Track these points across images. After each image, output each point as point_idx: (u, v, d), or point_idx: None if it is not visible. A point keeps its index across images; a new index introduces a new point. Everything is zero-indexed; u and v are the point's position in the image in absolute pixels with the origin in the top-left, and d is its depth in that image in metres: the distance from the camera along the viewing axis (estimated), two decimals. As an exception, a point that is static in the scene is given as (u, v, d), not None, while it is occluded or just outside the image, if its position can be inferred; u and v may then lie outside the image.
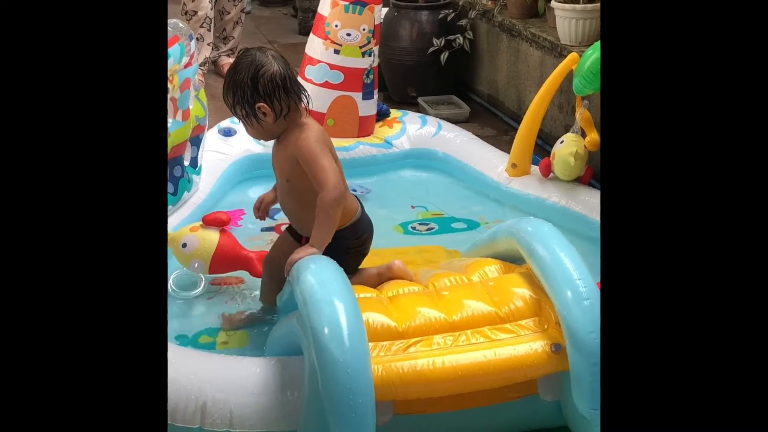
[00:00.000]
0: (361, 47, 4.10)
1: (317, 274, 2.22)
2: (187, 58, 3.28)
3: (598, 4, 4.01)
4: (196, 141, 3.50)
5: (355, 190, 3.87)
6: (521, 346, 2.21)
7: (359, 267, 2.73)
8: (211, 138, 3.87)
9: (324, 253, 2.45)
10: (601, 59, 2.63)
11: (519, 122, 3.83)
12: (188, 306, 2.97)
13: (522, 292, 2.33)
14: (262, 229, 3.48)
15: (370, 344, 2.13)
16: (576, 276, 2.21)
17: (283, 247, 2.77)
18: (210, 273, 2.98)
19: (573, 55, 3.58)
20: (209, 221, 3.00)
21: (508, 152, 3.82)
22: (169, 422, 2.20)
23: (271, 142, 2.70)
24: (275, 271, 2.72)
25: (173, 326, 2.79)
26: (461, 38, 4.97)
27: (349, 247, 2.66)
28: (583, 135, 3.55)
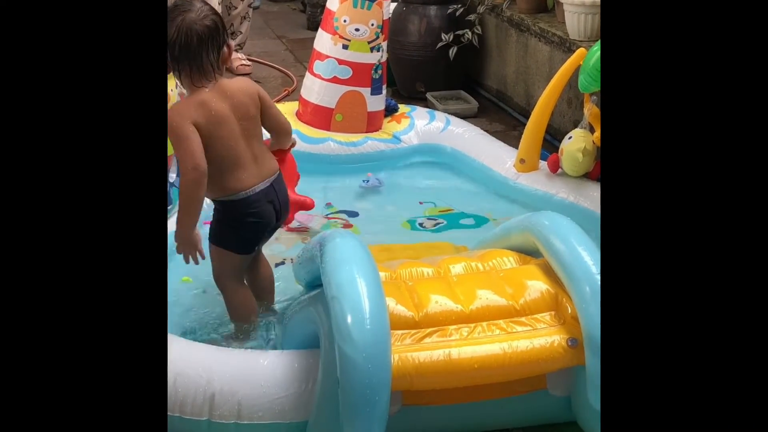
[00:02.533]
0: (369, 42, 4.10)
1: (345, 259, 2.20)
2: (196, 53, 3.28)
3: None
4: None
5: (367, 181, 3.89)
6: (538, 339, 2.21)
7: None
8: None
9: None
10: (601, 57, 2.62)
11: (527, 117, 3.83)
12: (197, 302, 2.98)
13: (539, 285, 2.32)
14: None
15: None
16: (595, 270, 2.20)
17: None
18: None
19: (581, 50, 3.58)
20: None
21: (517, 148, 3.82)
22: (177, 414, 2.21)
23: None
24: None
25: (182, 322, 2.80)
26: (470, 33, 4.96)
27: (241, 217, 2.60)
28: (592, 131, 3.54)
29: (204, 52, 2.45)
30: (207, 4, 2.53)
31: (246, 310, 2.73)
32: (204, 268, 3.14)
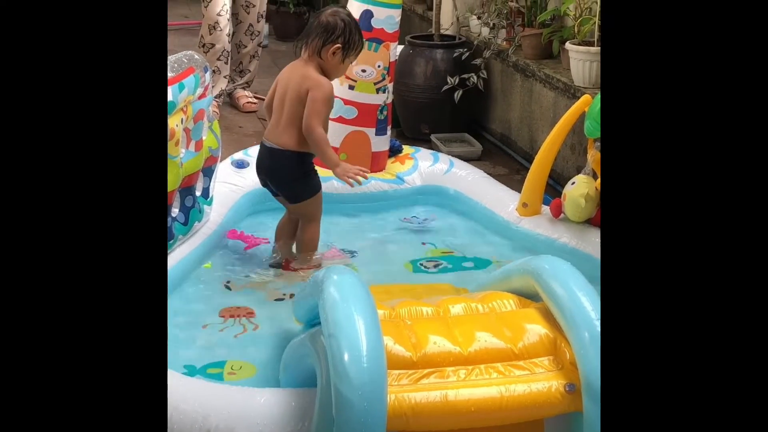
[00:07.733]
0: (375, 83, 4.13)
1: (343, 297, 2.19)
2: (202, 90, 3.31)
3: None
4: (208, 172, 3.52)
5: (416, 217, 4.00)
6: (535, 384, 2.19)
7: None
8: (224, 170, 3.89)
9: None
10: (601, 104, 2.64)
11: (531, 162, 3.84)
12: (197, 338, 2.98)
13: (538, 329, 2.31)
14: (270, 265, 3.49)
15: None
16: (594, 316, 2.19)
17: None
18: None
19: (586, 96, 3.60)
20: None
21: (520, 191, 3.83)
22: (172, 450, 2.20)
23: None
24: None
25: (181, 357, 2.79)
26: (475, 77, 5.00)
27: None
28: (595, 177, 3.55)
29: (312, 38, 3.34)
30: (343, 12, 3.42)
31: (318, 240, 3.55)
32: (209, 299, 3.14)
